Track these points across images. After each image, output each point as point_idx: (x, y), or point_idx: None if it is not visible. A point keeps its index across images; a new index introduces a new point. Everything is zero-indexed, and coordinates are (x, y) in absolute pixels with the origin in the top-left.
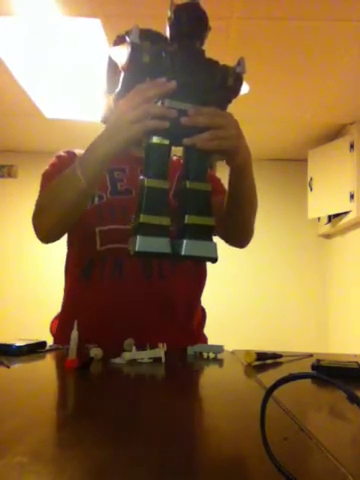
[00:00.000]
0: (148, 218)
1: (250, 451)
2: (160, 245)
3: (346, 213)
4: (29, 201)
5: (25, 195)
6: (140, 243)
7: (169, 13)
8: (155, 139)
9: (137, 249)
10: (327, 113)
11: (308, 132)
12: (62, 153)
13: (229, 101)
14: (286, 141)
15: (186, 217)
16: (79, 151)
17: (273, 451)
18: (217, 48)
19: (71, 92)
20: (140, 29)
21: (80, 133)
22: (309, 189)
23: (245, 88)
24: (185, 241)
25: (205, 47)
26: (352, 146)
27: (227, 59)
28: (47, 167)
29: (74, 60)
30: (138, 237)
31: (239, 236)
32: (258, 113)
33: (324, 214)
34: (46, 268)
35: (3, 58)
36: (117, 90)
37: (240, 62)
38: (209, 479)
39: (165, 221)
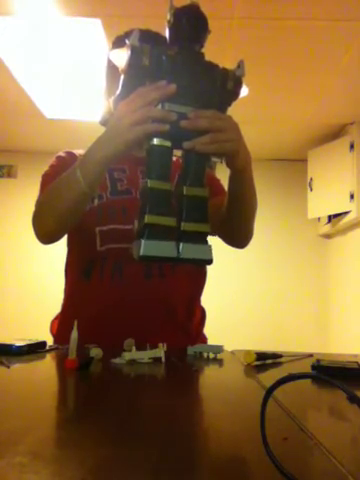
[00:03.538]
0: (153, 218)
1: (250, 451)
2: (165, 249)
3: (346, 213)
4: (29, 201)
5: (25, 195)
6: (145, 247)
7: (168, 16)
8: (157, 141)
9: (142, 253)
10: (327, 113)
11: (308, 132)
12: (62, 154)
13: (229, 104)
14: (286, 141)
15: (182, 224)
16: (79, 152)
17: (273, 451)
18: (218, 48)
19: (71, 92)
20: (140, 30)
21: (80, 133)
22: (309, 189)
23: (244, 91)
24: (181, 245)
25: (205, 49)
26: (352, 146)
27: (227, 59)
28: (47, 168)
29: (74, 60)
30: (143, 241)
31: (239, 237)
32: (258, 113)
33: (324, 214)
34: (46, 268)
35: (3, 58)
36: (117, 93)
37: (240, 65)
38: (209, 479)
39: (170, 222)
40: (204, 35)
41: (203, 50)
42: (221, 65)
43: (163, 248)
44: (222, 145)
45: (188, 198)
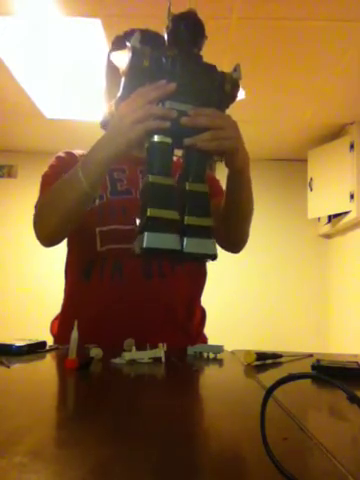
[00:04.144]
0: (156, 212)
1: (250, 451)
2: (168, 241)
3: (346, 213)
4: (29, 201)
5: (25, 195)
6: (148, 239)
7: (167, 22)
8: (157, 138)
9: (145, 245)
10: (327, 113)
11: (308, 132)
12: (61, 154)
13: (227, 106)
14: (286, 141)
15: (185, 218)
16: (79, 152)
17: (273, 451)
18: (217, 48)
19: (71, 92)
20: (140, 32)
21: (80, 133)
22: (309, 189)
23: (241, 94)
24: (185, 239)
25: (203, 50)
26: (352, 146)
27: (227, 59)
28: (46, 169)
29: (74, 60)
30: (146, 233)
31: (234, 240)
32: (258, 113)
33: (324, 214)
34: (46, 268)
35: (3, 58)
36: (118, 95)
37: (236, 68)
38: (209, 478)
39: (173, 215)
40: (201, 40)
41: (201, 53)
42: (219, 67)
43: (166, 240)
44: (222, 143)
45: (191, 193)
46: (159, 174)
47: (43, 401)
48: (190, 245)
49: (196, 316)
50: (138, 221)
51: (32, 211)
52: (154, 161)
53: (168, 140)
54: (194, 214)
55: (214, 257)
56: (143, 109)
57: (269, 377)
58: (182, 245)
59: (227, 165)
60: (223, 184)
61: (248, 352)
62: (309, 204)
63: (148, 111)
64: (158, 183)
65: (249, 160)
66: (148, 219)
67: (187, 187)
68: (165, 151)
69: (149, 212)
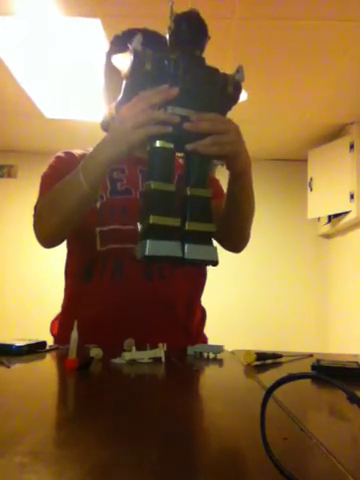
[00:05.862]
0: (157, 219)
1: (250, 451)
2: (170, 249)
3: (346, 213)
4: (29, 201)
5: (25, 195)
6: (150, 247)
7: (169, 22)
8: (159, 143)
9: (147, 253)
10: (327, 113)
11: (308, 132)
12: (61, 154)
13: (229, 108)
14: (286, 141)
15: (186, 224)
16: (78, 152)
17: (273, 451)
18: (218, 48)
19: (71, 92)
20: (141, 33)
21: (80, 133)
22: (309, 189)
23: (243, 95)
24: (187, 245)
25: (205, 50)
26: (352, 146)
27: (228, 59)
28: (46, 169)
29: (74, 60)
30: (148, 241)
31: (235, 241)
32: (258, 113)
33: (324, 214)
34: (46, 268)
35: (3, 58)
36: (119, 97)
37: (239, 70)
38: (209, 478)
39: (174, 222)
40: (204, 40)
41: (203, 53)
42: (221, 70)
43: (168, 248)
44: (223, 147)
45: (192, 198)
46: (161, 180)
47: (43, 401)
48: (191, 251)
49: (196, 316)
50: (139, 224)
51: (32, 211)
52: (156, 167)
53: (170, 145)
54: (195, 220)
55: (215, 263)
56: (145, 113)
57: (269, 377)
58: (183, 251)
59: (229, 168)
60: (223, 185)
61: (248, 352)
62: (309, 204)
63: (150, 116)
64: (160, 190)
65: (250, 162)
66: (150, 226)
67: (188, 192)
68: (167, 157)
69: (151, 220)
